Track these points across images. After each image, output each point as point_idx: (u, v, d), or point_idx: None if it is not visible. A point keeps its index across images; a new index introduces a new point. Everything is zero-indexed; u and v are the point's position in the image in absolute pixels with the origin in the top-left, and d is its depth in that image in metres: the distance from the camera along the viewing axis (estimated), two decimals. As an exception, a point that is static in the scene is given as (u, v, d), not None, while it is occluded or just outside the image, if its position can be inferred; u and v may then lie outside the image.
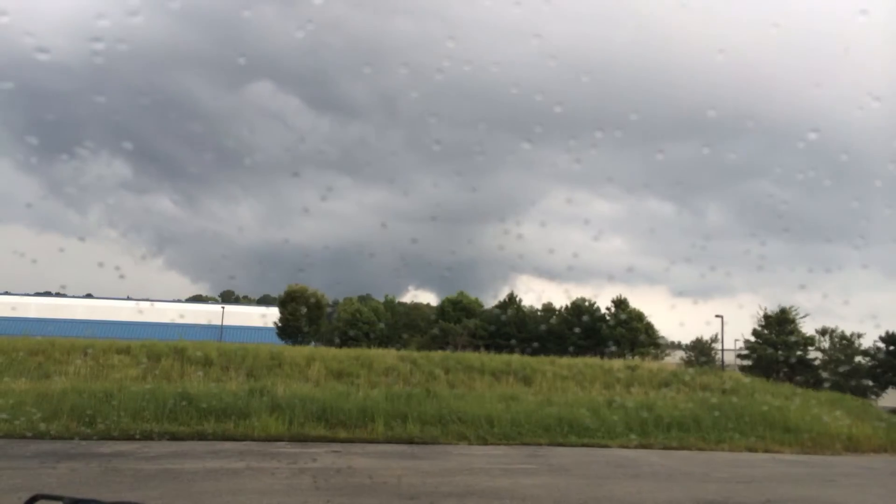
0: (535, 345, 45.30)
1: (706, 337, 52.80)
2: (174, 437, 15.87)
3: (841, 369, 44.22)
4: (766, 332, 47.00)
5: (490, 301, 61.58)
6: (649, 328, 53.68)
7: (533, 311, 59.33)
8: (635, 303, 55.85)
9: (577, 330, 51.89)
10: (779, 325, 46.57)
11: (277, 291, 51.58)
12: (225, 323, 58.29)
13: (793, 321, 46.71)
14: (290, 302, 47.91)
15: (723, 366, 46.62)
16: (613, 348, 46.43)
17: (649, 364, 32.48)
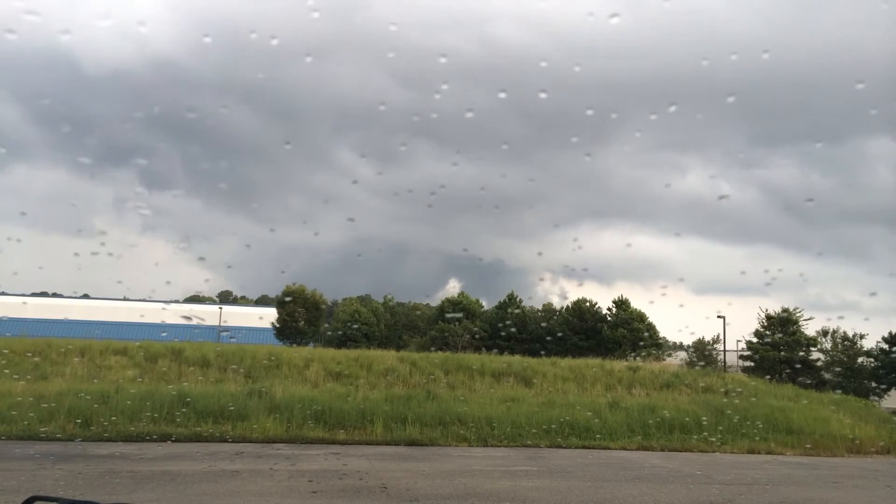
0: (536, 345, 45.24)
1: (708, 337, 52.64)
2: (171, 439, 15.77)
3: (843, 370, 44.06)
4: (768, 332, 46.81)
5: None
6: (651, 329, 53.50)
7: (534, 312, 59.18)
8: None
9: (575, 334, 51.78)
10: (781, 326, 46.36)
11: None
12: (223, 323, 58.08)
13: (795, 322, 46.50)
14: (288, 302, 47.73)
15: (724, 367, 46.42)
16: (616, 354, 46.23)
17: (651, 365, 32.31)
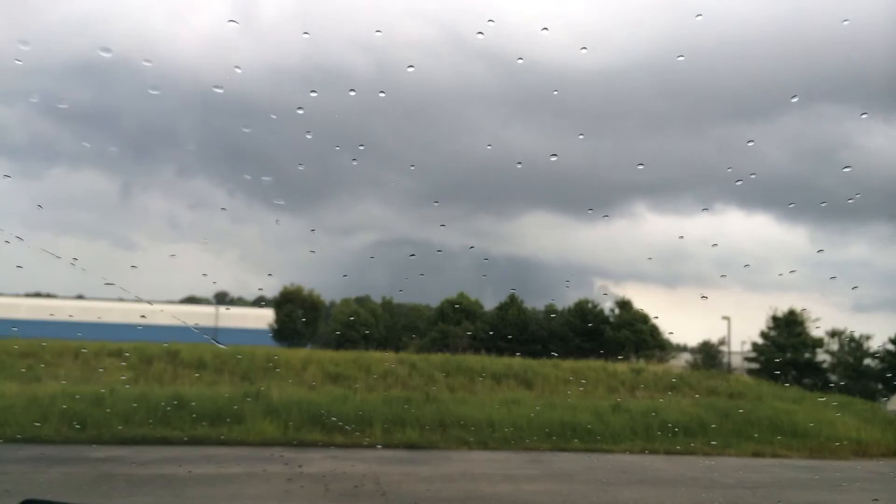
0: (538, 346, 45.03)
1: (714, 339, 52.33)
2: (167, 442, 15.59)
3: (849, 372, 43.80)
4: (773, 334, 46.52)
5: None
6: (654, 330, 53.14)
7: (535, 313, 58.88)
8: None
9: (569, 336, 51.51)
10: (787, 327, 46.06)
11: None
12: (219, 325, 57.62)
13: (801, 323, 46.19)
14: (285, 303, 47.55)
15: (729, 368, 46.19)
16: (620, 357, 45.93)
17: (654, 367, 32.16)
